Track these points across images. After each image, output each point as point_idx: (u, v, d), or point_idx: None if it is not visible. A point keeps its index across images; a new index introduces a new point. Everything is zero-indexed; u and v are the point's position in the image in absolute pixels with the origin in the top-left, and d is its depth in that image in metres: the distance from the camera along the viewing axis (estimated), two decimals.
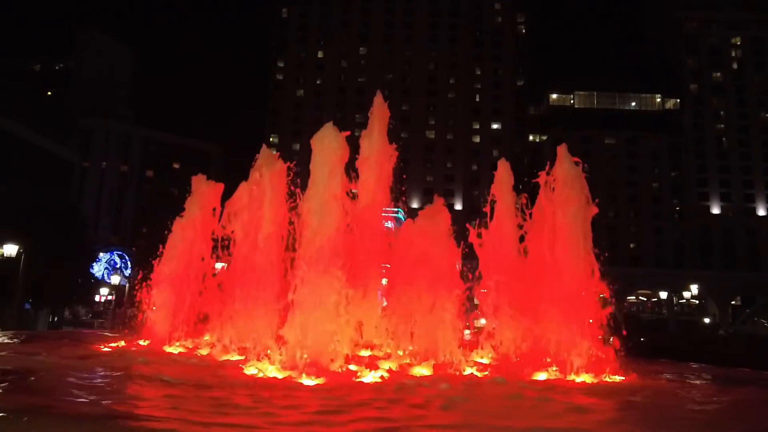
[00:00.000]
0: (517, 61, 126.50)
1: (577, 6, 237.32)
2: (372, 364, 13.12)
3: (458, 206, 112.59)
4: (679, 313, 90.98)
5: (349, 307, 12.79)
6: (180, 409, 8.33)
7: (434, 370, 13.18)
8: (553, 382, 12.77)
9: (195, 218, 17.90)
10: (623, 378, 13.40)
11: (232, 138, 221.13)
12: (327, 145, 13.87)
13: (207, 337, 16.93)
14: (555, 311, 14.21)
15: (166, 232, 17.73)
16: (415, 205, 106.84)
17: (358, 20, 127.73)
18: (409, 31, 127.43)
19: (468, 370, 13.56)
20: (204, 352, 15.27)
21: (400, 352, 14.72)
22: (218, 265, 17.44)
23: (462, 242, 16.05)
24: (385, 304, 17.04)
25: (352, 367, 12.66)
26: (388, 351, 15.03)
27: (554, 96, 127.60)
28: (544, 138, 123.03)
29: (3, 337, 17.57)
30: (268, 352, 12.77)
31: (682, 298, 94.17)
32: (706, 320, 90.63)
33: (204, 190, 18.44)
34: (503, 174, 18.06)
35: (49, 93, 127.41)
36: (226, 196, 17.70)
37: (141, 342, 16.45)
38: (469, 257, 16.38)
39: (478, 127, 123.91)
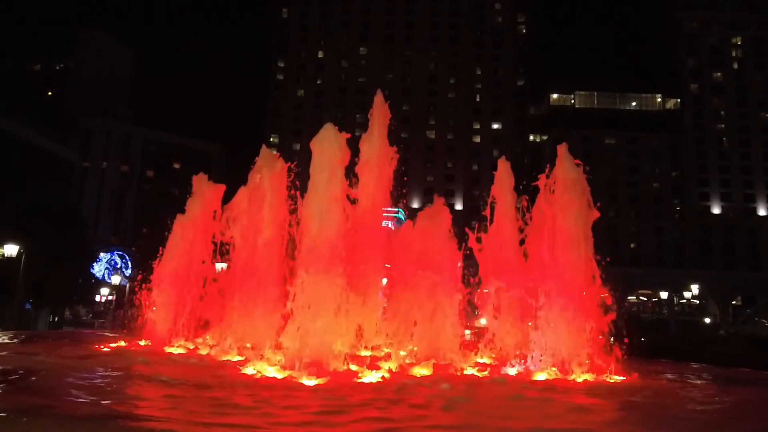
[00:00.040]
0: (517, 61, 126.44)
1: (577, 6, 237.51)
2: (372, 364, 13.10)
3: (459, 206, 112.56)
4: (680, 313, 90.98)
5: (349, 311, 12.78)
6: (180, 409, 8.32)
7: (435, 371, 13.16)
8: (554, 382, 12.76)
9: (196, 218, 17.88)
10: (624, 378, 13.39)
11: (233, 138, 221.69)
12: (327, 147, 13.75)
13: (207, 337, 16.94)
14: (555, 318, 14.12)
15: (166, 233, 17.71)
16: (415, 205, 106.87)
17: (358, 20, 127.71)
18: (410, 31, 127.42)
19: (468, 371, 13.55)
20: (204, 352, 15.26)
21: (402, 353, 14.70)
22: (219, 265, 17.43)
23: (463, 244, 16.02)
24: (385, 303, 17.03)
25: (353, 367, 12.65)
26: (389, 351, 15.02)
27: (555, 96, 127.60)
28: (545, 138, 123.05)
29: (3, 337, 17.57)
30: (269, 352, 12.76)
31: (683, 298, 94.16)
32: (707, 320, 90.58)
33: (205, 191, 18.41)
34: (503, 174, 18.02)
35: (50, 93, 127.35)
36: (228, 196, 17.69)
37: (141, 342, 16.45)
38: (471, 257, 16.37)
39: (478, 127, 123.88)
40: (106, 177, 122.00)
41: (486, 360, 15.43)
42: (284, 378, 11.43)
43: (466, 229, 16.41)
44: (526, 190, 16.66)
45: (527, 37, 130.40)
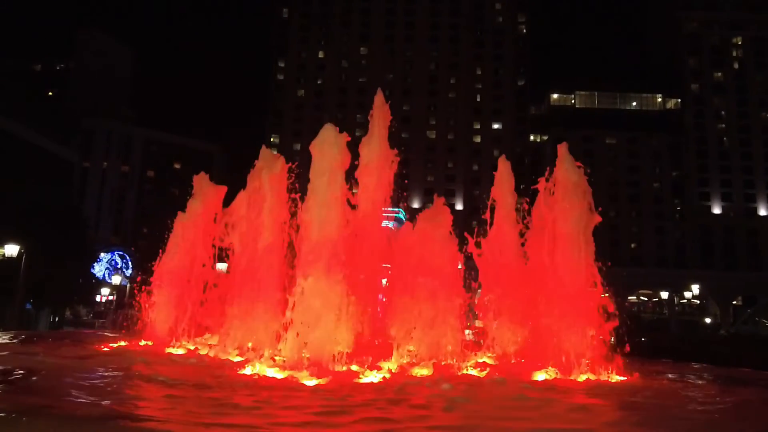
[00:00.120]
0: (517, 60, 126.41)
1: (577, 6, 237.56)
2: (373, 364, 13.08)
3: (459, 206, 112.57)
4: (680, 313, 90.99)
5: (350, 313, 12.74)
6: (180, 409, 8.31)
7: (435, 371, 13.13)
8: (555, 382, 12.74)
9: (197, 219, 17.83)
10: (625, 378, 13.37)
11: (233, 138, 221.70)
12: (327, 150, 13.61)
13: (208, 337, 16.93)
14: (555, 324, 14.05)
15: (166, 233, 17.68)
16: (416, 205, 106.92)
17: (358, 20, 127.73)
18: (410, 31, 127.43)
19: (469, 371, 13.53)
20: (204, 352, 15.25)
21: (405, 354, 14.66)
22: (219, 266, 17.41)
23: (464, 246, 15.95)
24: (384, 299, 17.00)
25: (354, 367, 12.64)
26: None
27: (555, 96, 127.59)
28: (545, 138, 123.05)
29: (3, 337, 17.56)
30: (269, 352, 12.74)
31: (683, 298, 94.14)
32: (708, 320, 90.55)
33: (206, 191, 18.32)
34: (504, 174, 17.92)
35: (50, 93, 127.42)
36: (229, 197, 17.63)
37: (141, 342, 16.44)
38: (472, 259, 16.31)
39: (479, 127, 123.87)
40: (106, 177, 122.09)
41: (486, 360, 15.41)
42: (284, 378, 11.42)
43: (465, 234, 16.27)
44: (527, 191, 16.53)
45: (527, 37, 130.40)
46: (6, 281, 41.61)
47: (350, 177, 14.97)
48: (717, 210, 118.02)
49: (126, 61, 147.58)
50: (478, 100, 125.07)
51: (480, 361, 15.15)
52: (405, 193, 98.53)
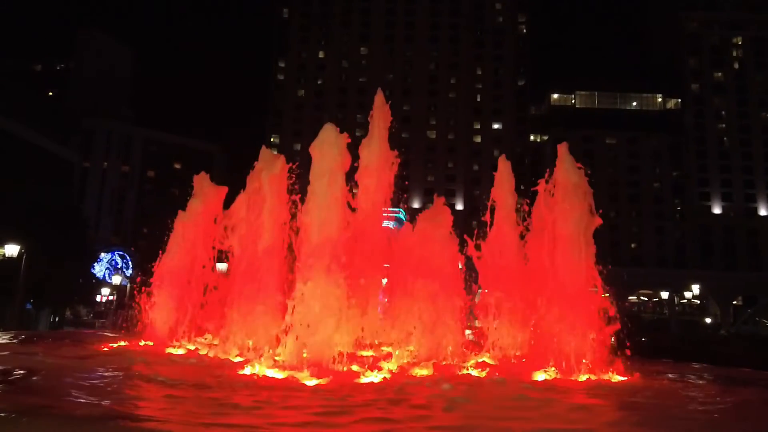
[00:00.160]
0: (518, 60, 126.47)
1: (577, 6, 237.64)
2: (373, 364, 13.08)
3: (459, 206, 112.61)
4: (681, 313, 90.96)
5: (350, 321, 12.72)
6: (180, 409, 8.31)
7: (435, 371, 13.12)
8: (555, 382, 12.73)
9: (197, 218, 17.80)
10: (625, 378, 13.35)
11: (233, 138, 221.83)
12: (327, 151, 13.48)
13: (208, 337, 16.93)
14: (555, 327, 14.03)
15: (167, 233, 17.66)
16: (416, 205, 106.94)
17: (358, 20, 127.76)
18: (410, 31, 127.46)
19: (469, 371, 13.52)
20: (204, 352, 15.24)
21: (405, 355, 14.65)
22: (220, 266, 17.40)
23: (465, 247, 15.92)
24: (385, 300, 16.98)
25: (354, 367, 12.63)
26: (390, 351, 14.99)
27: (555, 96, 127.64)
28: (545, 138, 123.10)
29: (3, 337, 17.56)
30: (269, 352, 12.73)
31: (684, 298, 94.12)
32: (708, 320, 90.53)
33: (207, 192, 18.28)
34: (504, 174, 17.87)
35: (50, 93, 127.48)
36: (230, 198, 17.60)
37: (141, 342, 16.43)
38: (472, 261, 16.28)
39: (479, 127, 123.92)
40: (106, 177, 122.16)
41: (486, 360, 15.40)
42: (284, 378, 11.41)
43: (465, 236, 16.20)
44: (527, 191, 16.45)
45: (528, 37, 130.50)
46: (6, 281, 41.64)
47: (350, 179, 14.87)
48: (717, 210, 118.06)
49: (126, 61, 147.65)
50: (478, 100, 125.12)
51: (480, 361, 15.15)
52: (405, 195, 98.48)
